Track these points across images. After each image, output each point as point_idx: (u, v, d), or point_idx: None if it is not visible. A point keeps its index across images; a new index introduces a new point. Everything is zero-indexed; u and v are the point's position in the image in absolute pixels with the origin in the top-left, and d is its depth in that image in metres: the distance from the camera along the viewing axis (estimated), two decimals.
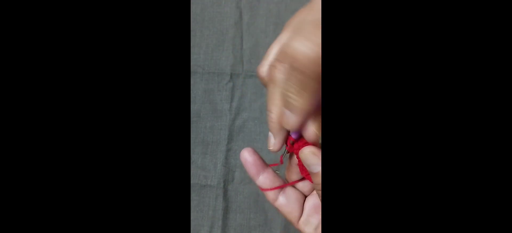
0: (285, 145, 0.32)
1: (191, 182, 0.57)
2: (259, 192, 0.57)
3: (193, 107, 0.60)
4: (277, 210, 0.36)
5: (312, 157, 0.29)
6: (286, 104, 0.27)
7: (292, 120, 0.28)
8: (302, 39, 0.25)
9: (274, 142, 0.31)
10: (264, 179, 0.35)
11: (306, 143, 0.30)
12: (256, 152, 0.35)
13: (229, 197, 0.56)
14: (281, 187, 0.35)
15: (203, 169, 0.57)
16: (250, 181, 0.56)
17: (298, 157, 0.31)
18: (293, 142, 0.31)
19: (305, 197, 0.36)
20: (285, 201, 0.35)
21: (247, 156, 0.35)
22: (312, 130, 0.28)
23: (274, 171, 0.36)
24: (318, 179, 0.29)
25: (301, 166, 0.32)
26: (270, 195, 0.35)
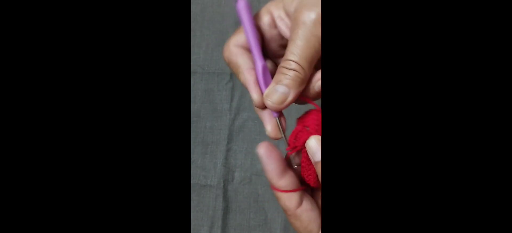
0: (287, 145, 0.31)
1: (191, 182, 0.57)
2: (259, 192, 0.57)
3: (193, 107, 0.60)
4: (297, 217, 0.29)
5: (318, 144, 0.28)
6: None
7: (251, 96, 0.30)
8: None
9: (268, 128, 0.31)
10: (289, 180, 0.29)
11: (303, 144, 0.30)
12: (275, 147, 0.30)
13: (229, 197, 0.56)
14: (300, 189, 0.30)
15: (203, 169, 0.57)
16: (250, 181, 0.56)
17: (303, 151, 0.30)
18: (291, 147, 0.31)
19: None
20: (310, 206, 0.29)
21: (270, 151, 0.29)
22: (267, 100, 0.29)
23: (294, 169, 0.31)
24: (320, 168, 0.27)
25: (304, 166, 0.30)
26: (293, 200, 0.29)
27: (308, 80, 0.29)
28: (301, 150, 0.30)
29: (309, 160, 0.30)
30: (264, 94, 0.29)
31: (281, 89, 0.28)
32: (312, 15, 0.27)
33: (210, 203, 0.56)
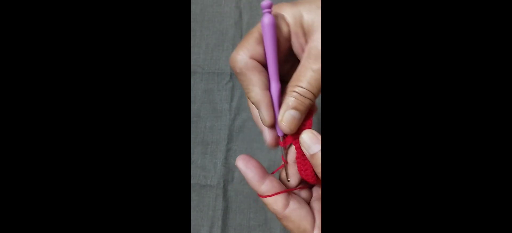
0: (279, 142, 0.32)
1: (191, 182, 0.57)
2: None
3: (193, 107, 0.60)
4: (287, 219, 0.31)
5: (311, 137, 0.29)
6: (252, 104, 0.30)
7: (261, 115, 0.30)
8: (236, 49, 0.29)
9: (266, 138, 0.32)
10: (270, 185, 0.30)
11: (295, 136, 0.31)
12: (252, 157, 0.32)
13: (229, 197, 0.56)
14: (290, 190, 0.31)
15: (203, 169, 0.57)
16: None
17: (297, 148, 0.31)
18: (283, 136, 0.32)
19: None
20: (297, 205, 0.30)
21: (247, 161, 0.31)
22: (282, 124, 0.30)
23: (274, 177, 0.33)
24: (317, 160, 0.28)
25: (299, 162, 0.31)
26: (279, 203, 0.30)
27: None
28: (295, 147, 0.31)
29: (303, 155, 0.31)
30: (280, 119, 0.30)
31: (297, 115, 0.29)
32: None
33: (210, 203, 0.56)
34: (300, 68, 0.29)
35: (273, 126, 0.31)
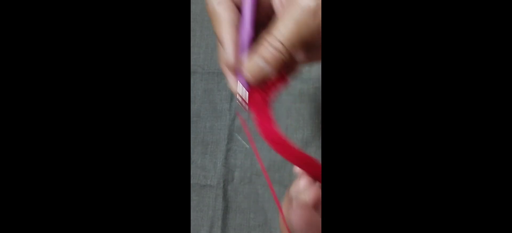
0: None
1: (191, 182, 0.57)
2: (258, 192, 0.57)
3: (193, 107, 0.59)
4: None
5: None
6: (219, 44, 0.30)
7: (224, 53, 0.29)
8: None
9: (231, 82, 0.31)
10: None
11: (257, 90, 0.30)
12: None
13: (228, 197, 0.56)
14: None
15: (203, 169, 0.57)
16: (249, 180, 0.56)
17: (253, 107, 0.30)
18: (247, 91, 0.31)
19: None
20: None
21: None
22: (245, 71, 0.29)
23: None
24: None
25: (259, 122, 0.30)
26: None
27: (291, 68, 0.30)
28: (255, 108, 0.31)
29: (263, 112, 0.30)
30: (244, 64, 0.29)
31: (263, 64, 0.28)
32: (311, 3, 0.26)
33: (210, 203, 0.56)
34: (278, 18, 0.28)
35: (234, 70, 0.31)
